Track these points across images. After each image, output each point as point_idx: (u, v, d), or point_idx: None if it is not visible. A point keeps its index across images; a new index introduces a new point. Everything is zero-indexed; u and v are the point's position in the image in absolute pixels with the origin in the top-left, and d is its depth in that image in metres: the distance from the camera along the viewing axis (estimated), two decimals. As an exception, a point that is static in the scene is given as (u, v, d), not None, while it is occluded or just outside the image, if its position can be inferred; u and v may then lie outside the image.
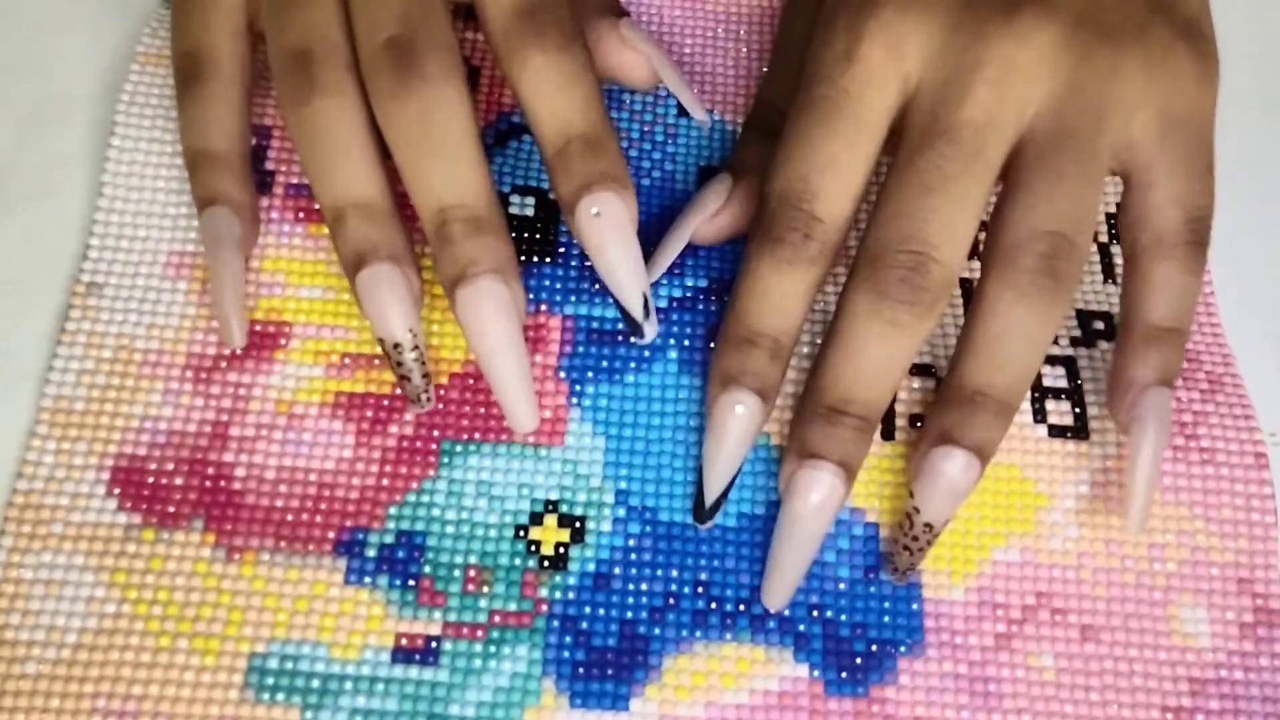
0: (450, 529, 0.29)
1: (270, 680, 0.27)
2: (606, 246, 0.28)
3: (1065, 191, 0.27)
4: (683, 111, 0.35)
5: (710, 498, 0.28)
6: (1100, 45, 0.27)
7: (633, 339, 0.30)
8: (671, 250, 0.31)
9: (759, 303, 0.28)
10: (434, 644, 0.28)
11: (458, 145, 0.27)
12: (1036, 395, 0.31)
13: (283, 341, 0.31)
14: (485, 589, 0.28)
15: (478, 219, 0.28)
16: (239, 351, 0.31)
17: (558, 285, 0.32)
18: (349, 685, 0.27)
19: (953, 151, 0.27)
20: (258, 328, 0.31)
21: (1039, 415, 0.31)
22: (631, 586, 0.29)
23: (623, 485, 0.30)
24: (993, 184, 0.27)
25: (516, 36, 0.28)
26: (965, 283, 0.32)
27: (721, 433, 0.28)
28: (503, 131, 0.35)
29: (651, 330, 0.29)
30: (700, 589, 0.29)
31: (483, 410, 0.30)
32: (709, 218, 0.31)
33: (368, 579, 0.28)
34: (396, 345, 0.28)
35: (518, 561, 0.29)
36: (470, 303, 0.27)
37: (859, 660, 0.28)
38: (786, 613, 0.28)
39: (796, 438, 0.28)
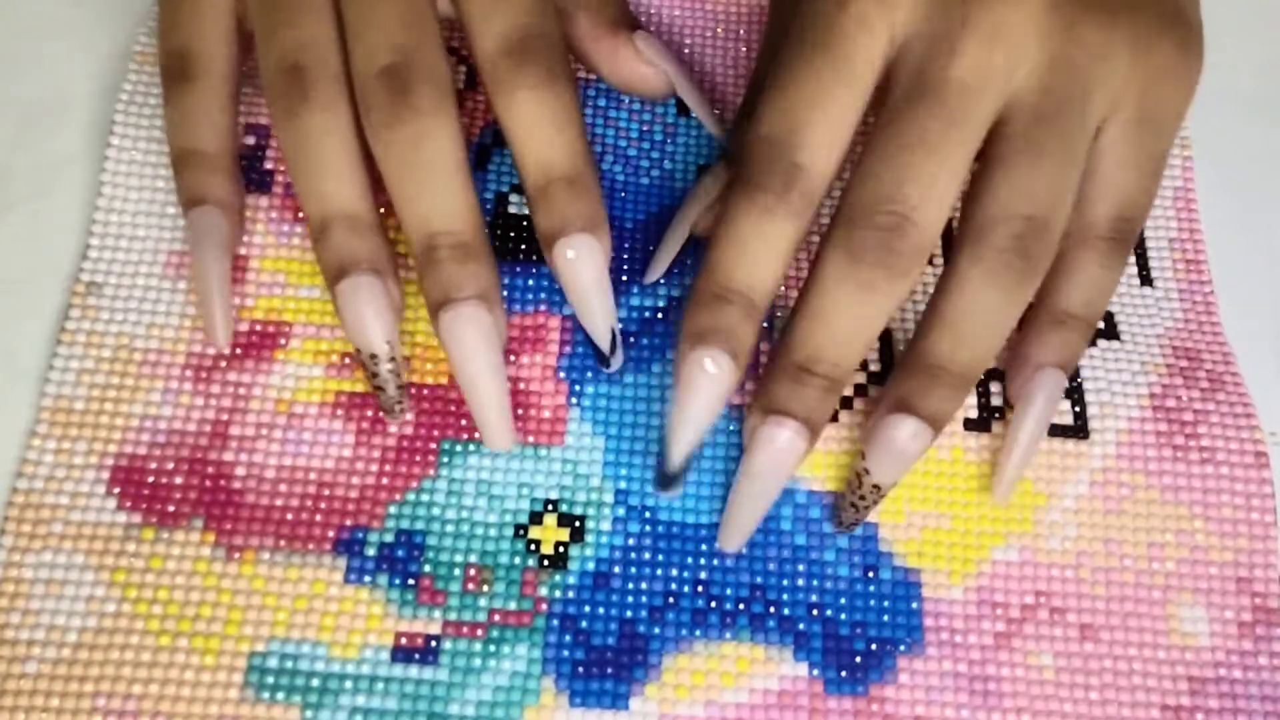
0: (450, 528, 0.29)
1: (270, 679, 0.27)
2: (580, 287, 0.28)
3: (1045, 172, 0.27)
4: (682, 110, 0.35)
5: (674, 464, 0.27)
6: (1092, 15, 0.27)
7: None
8: (673, 245, 0.31)
9: (734, 256, 0.27)
10: (434, 643, 0.28)
11: (447, 174, 0.28)
12: (1036, 394, 0.31)
13: (282, 341, 0.31)
14: (485, 588, 0.28)
15: (464, 245, 0.28)
16: (225, 353, 0.31)
17: (557, 286, 0.32)
18: (349, 684, 0.27)
19: (937, 111, 0.26)
20: (258, 327, 0.31)
21: (1038, 414, 0.31)
22: (631, 586, 0.29)
23: (622, 485, 0.30)
24: (975, 148, 0.27)
25: (505, 70, 0.28)
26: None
27: (689, 392, 0.27)
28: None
29: (617, 362, 0.30)
30: (700, 588, 0.29)
31: (482, 410, 0.30)
32: (707, 208, 0.31)
33: (367, 578, 0.28)
34: (373, 356, 0.28)
35: (517, 560, 0.29)
36: (453, 327, 0.28)
37: (859, 659, 0.28)
38: (786, 612, 0.28)
39: (763, 393, 0.28)
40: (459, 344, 0.28)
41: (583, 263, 0.28)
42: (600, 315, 0.29)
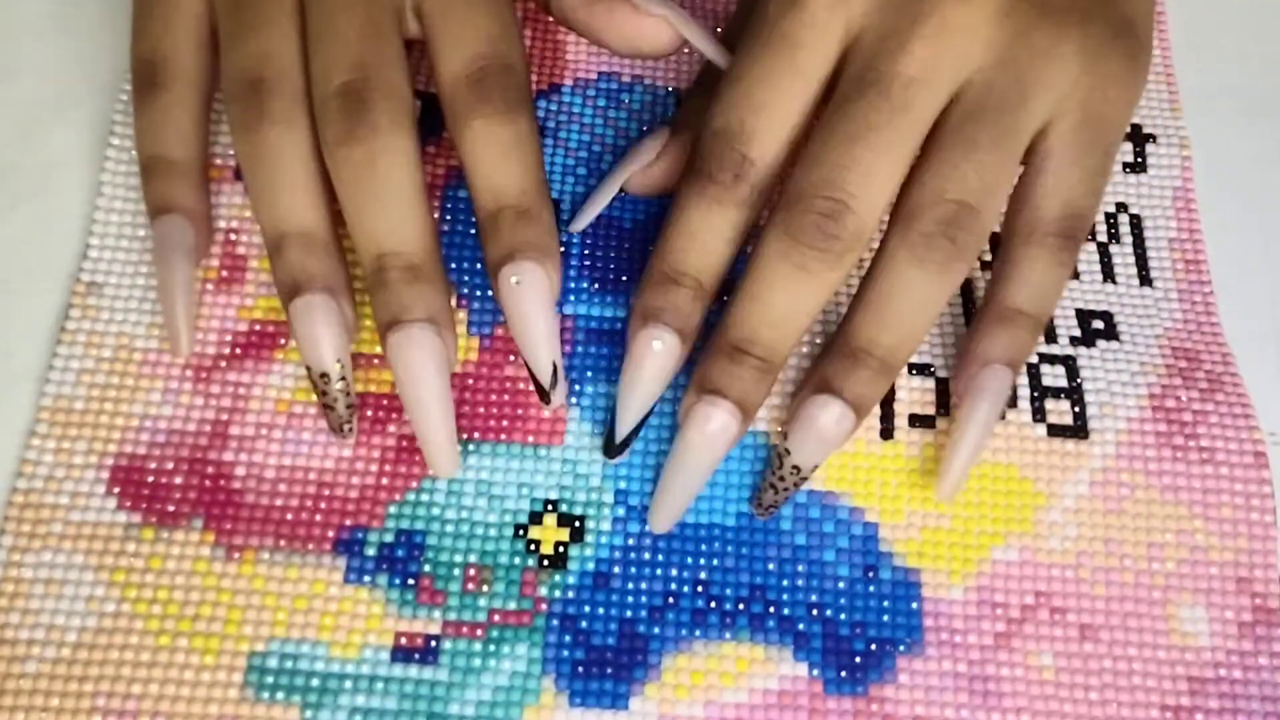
0: (450, 528, 0.29)
1: (270, 679, 0.27)
2: (523, 316, 0.28)
3: (977, 161, 0.27)
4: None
5: (621, 433, 0.29)
6: (1042, 21, 0.28)
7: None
8: (601, 200, 0.31)
9: (685, 242, 0.28)
10: (434, 643, 0.28)
11: (400, 195, 0.28)
12: (1036, 395, 0.31)
13: (282, 341, 0.31)
14: (485, 588, 0.28)
15: (415, 267, 0.28)
16: (184, 361, 0.30)
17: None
18: (349, 684, 0.27)
19: (881, 103, 0.27)
20: (257, 327, 0.31)
21: (1038, 415, 0.31)
22: (631, 586, 0.29)
23: (622, 485, 0.30)
24: (918, 142, 0.28)
25: (463, 99, 0.29)
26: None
27: (638, 368, 0.28)
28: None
29: (559, 399, 0.29)
30: (700, 588, 0.29)
31: (482, 410, 0.30)
32: (643, 169, 0.31)
33: (367, 578, 0.28)
34: (324, 375, 0.28)
35: (517, 560, 0.29)
36: (401, 349, 0.27)
37: (858, 659, 0.28)
38: (786, 612, 0.28)
39: (699, 372, 0.28)
40: (406, 366, 0.27)
41: (526, 291, 0.28)
42: (543, 348, 0.28)
